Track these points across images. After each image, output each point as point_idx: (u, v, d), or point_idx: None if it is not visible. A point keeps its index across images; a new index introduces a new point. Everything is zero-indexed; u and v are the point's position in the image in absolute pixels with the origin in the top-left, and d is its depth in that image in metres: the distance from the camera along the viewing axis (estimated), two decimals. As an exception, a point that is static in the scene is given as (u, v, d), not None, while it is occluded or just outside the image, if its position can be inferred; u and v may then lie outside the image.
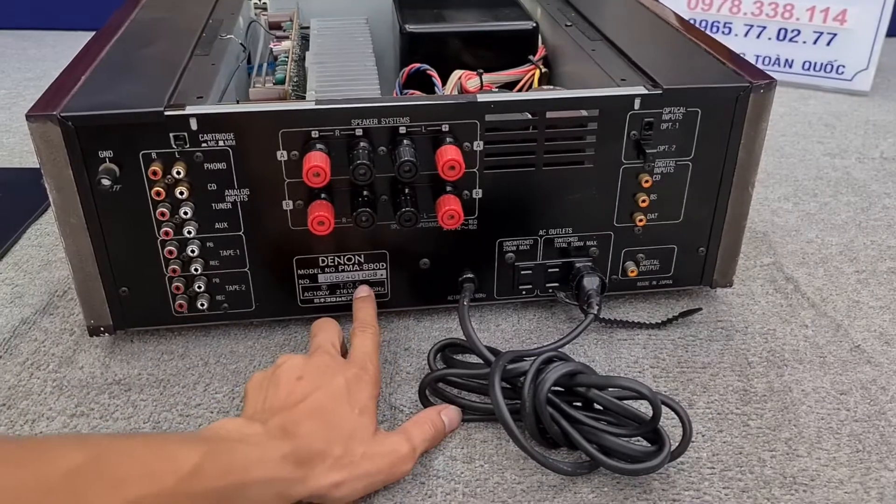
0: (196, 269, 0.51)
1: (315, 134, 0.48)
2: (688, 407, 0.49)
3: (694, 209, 0.54)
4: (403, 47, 0.65)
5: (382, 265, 0.54)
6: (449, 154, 0.47)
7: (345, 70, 0.60)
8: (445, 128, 0.49)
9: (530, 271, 0.55)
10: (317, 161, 0.46)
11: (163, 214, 0.49)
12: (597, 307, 0.52)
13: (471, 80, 0.62)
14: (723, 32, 1.02)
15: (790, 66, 1.00)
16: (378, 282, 0.54)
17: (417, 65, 0.63)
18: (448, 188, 0.50)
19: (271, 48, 0.63)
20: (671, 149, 0.52)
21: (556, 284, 0.56)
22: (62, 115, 0.45)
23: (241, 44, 0.62)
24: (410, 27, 0.64)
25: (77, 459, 0.33)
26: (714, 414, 0.48)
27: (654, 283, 0.57)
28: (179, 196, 0.48)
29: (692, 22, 1.02)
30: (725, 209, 0.54)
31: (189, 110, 0.46)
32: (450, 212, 0.49)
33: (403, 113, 0.48)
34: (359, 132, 0.48)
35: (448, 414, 0.47)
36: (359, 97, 0.53)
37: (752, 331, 0.56)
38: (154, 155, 0.47)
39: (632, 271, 0.56)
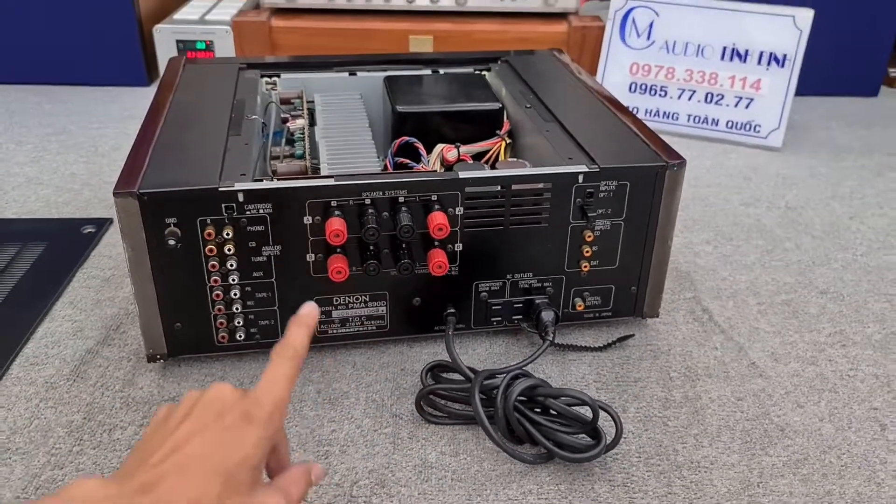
0: (236, 308, 0.64)
1: (333, 203, 0.62)
2: (622, 412, 0.63)
3: (626, 257, 0.69)
4: (394, 123, 0.79)
5: (383, 303, 0.67)
6: (438, 219, 0.62)
7: (348, 143, 0.74)
8: (434, 197, 0.63)
9: (500, 306, 0.70)
10: (337, 226, 0.60)
11: (213, 266, 0.62)
12: (552, 335, 0.67)
13: (450, 152, 0.76)
14: (660, 95, 1.19)
15: (716, 125, 1.17)
16: (379, 316, 0.68)
17: (406, 138, 0.77)
18: (436, 244, 0.65)
19: (288, 126, 0.77)
20: (607, 212, 0.67)
21: (520, 316, 0.70)
22: (140, 192, 0.59)
23: (262, 122, 0.76)
24: (400, 108, 0.78)
25: None
26: (642, 417, 0.63)
27: (597, 314, 0.72)
28: (227, 252, 0.62)
29: (633, 85, 1.19)
30: (651, 257, 0.70)
31: (237, 186, 0.60)
32: (438, 263, 0.63)
33: (402, 187, 0.62)
34: (367, 201, 0.62)
35: (316, 471, 0.45)
36: (365, 172, 0.67)
37: (674, 352, 0.71)
38: (209, 221, 0.61)
39: (579, 306, 0.71)
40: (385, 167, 0.77)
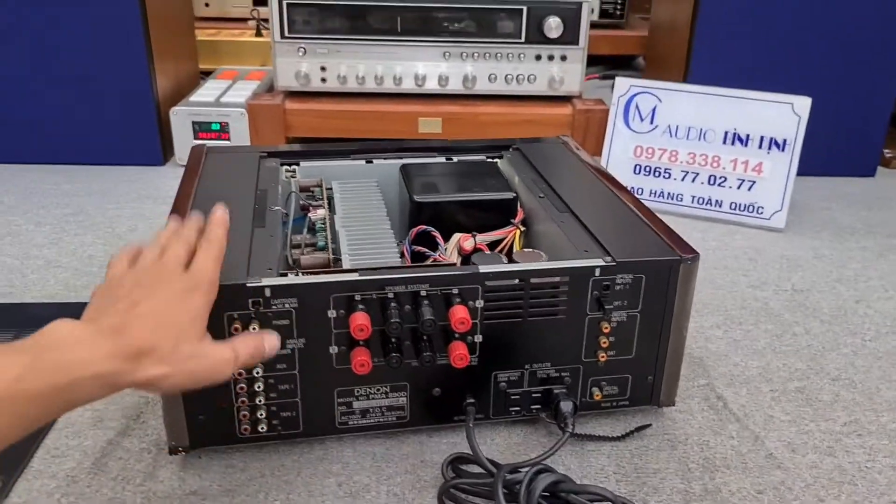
0: (259, 401, 0.65)
1: (357, 297, 0.63)
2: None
3: (643, 347, 0.71)
4: (412, 212, 0.81)
5: (404, 394, 0.68)
6: (460, 314, 0.63)
7: (368, 233, 0.76)
8: (455, 291, 0.65)
9: (518, 396, 0.70)
10: (362, 321, 0.62)
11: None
12: (572, 426, 0.67)
13: (467, 241, 0.78)
14: (664, 176, 1.22)
15: (720, 206, 1.20)
16: (400, 406, 0.69)
17: (423, 227, 0.79)
18: (457, 336, 0.66)
19: (309, 216, 0.79)
20: (623, 304, 0.68)
21: (539, 406, 0.71)
22: (170, 287, 0.60)
23: (284, 213, 0.78)
24: (418, 197, 0.81)
25: None
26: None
27: (614, 403, 0.73)
28: (252, 345, 0.63)
29: (637, 167, 1.22)
30: (667, 347, 0.71)
31: (265, 282, 0.62)
32: (460, 355, 0.65)
33: (424, 281, 0.64)
34: (390, 295, 0.64)
35: (270, 341, 0.57)
36: (386, 264, 0.69)
37: (691, 441, 0.71)
38: (236, 315, 0.62)
39: (596, 395, 0.71)
40: (402, 254, 0.79)
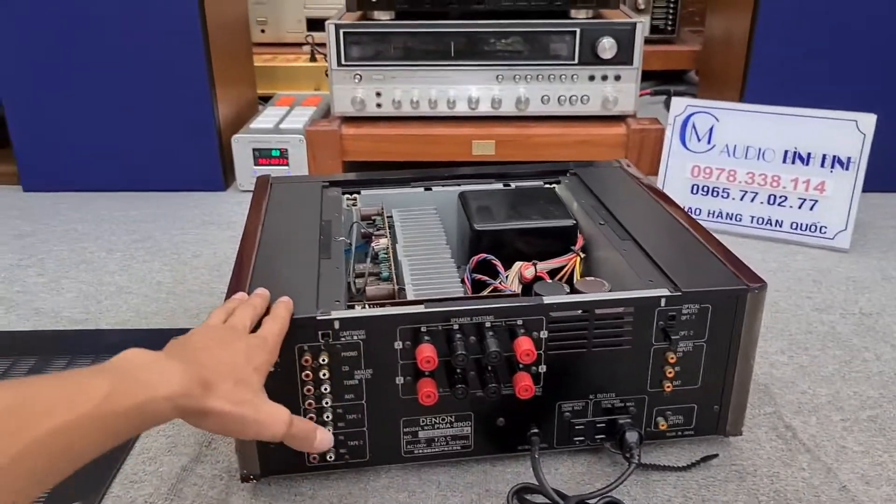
0: (328, 430, 0.66)
1: (423, 329, 0.64)
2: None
3: (709, 377, 0.70)
4: (472, 240, 0.82)
5: (468, 423, 0.69)
6: (525, 345, 0.64)
7: (430, 263, 0.77)
8: (520, 322, 0.65)
9: (583, 426, 0.70)
10: (428, 353, 0.63)
11: (308, 390, 0.64)
12: (638, 457, 0.67)
13: (528, 270, 0.79)
14: (722, 196, 1.20)
15: (780, 226, 1.18)
16: (464, 436, 0.69)
17: (484, 255, 0.80)
18: (521, 367, 0.66)
19: (373, 247, 0.81)
20: (689, 334, 0.68)
21: (603, 436, 0.71)
22: (244, 321, 0.62)
23: (347, 242, 0.80)
24: (478, 226, 0.81)
25: (6, 400, 0.40)
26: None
27: (680, 433, 0.72)
28: (322, 377, 0.64)
29: (695, 187, 1.21)
30: (733, 376, 0.70)
31: (334, 315, 0.63)
32: (525, 387, 0.65)
33: (489, 312, 0.65)
34: (455, 326, 0.65)
35: (323, 436, 0.59)
36: (449, 295, 0.69)
37: (760, 473, 0.70)
38: (306, 347, 0.63)
39: (662, 425, 0.71)
40: (463, 282, 0.80)
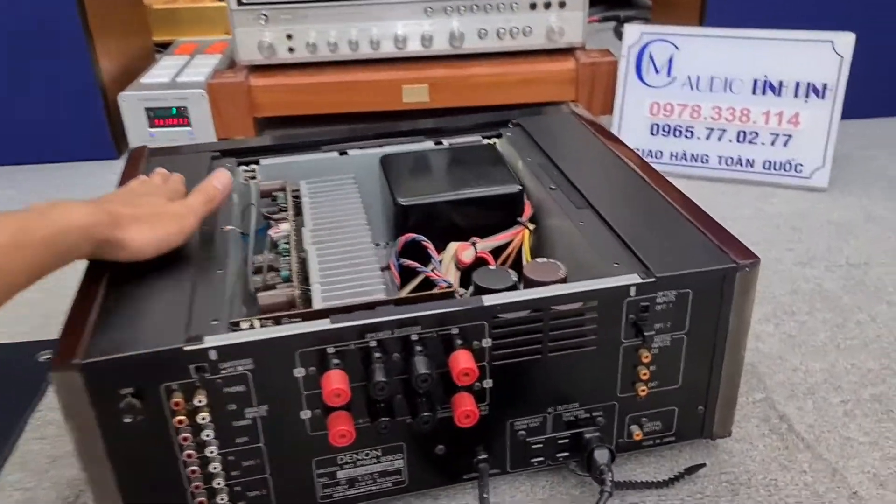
0: (218, 483, 0.52)
1: (331, 350, 0.50)
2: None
3: (691, 374, 0.57)
4: (397, 217, 0.67)
5: (399, 455, 0.55)
6: (462, 363, 0.49)
7: (345, 253, 0.62)
8: (455, 331, 0.51)
9: (541, 444, 0.57)
10: (336, 384, 0.48)
11: (185, 439, 0.49)
12: (610, 483, 0.54)
13: (465, 252, 0.64)
14: (685, 136, 1.07)
15: (751, 166, 1.05)
16: (395, 471, 0.55)
17: (412, 235, 0.65)
18: (461, 387, 0.52)
19: (270, 235, 0.65)
20: (667, 326, 0.54)
21: (567, 454, 0.58)
22: (83, 362, 0.46)
23: (241, 232, 0.64)
24: (402, 200, 0.66)
25: None
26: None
27: (658, 440, 0.60)
28: (201, 421, 0.49)
29: (655, 127, 1.07)
30: (721, 371, 0.57)
31: (207, 342, 0.48)
32: (466, 412, 0.51)
33: (414, 322, 0.50)
34: (373, 344, 0.50)
35: (220, 179, 0.61)
36: (367, 298, 0.54)
37: (756, 482, 0.58)
38: (175, 386, 0.48)
39: (637, 435, 0.58)
40: (389, 267, 0.65)
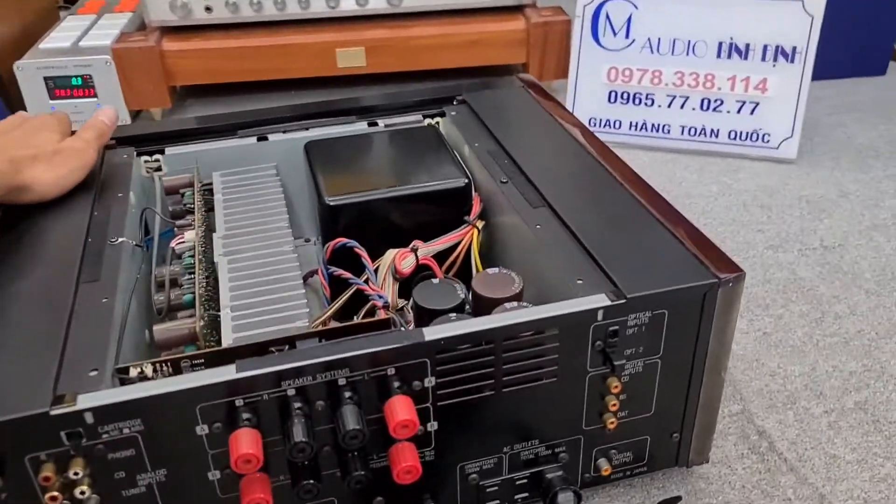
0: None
1: (239, 402, 0.41)
2: None
3: (665, 401, 0.50)
4: (323, 217, 0.57)
5: (331, 512, 0.47)
6: (400, 414, 0.41)
7: (263, 269, 0.52)
8: (391, 371, 0.42)
9: (497, 487, 0.49)
10: (246, 448, 0.39)
11: (62, 518, 0.40)
12: (577, 533, 0.47)
13: (405, 260, 0.55)
14: (645, 104, 0.99)
15: (716, 136, 0.97)
16: (328, 527, 0.47)
17: (342, 240, 0.56)
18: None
19: (173, 247, 0.55)
20: (638, 351, 0.47)
21: (526, 494, 0.51)
22: (-83, 437, 0.36)
23: (135, 245, 0.53)
24: (331, 199, 0.56)
25: None
26: None
27: (629, 472, 0.53)
28: (80, 496, 0.40)
29: (612, 94, 0.99)
30: (698, 395, 0.50)
31: (81, 403, 0.38)
32: (407, 468, 0.43)
33: (342, 365, 0.41)
34: (291, 392, 0.41)
35: (107, 114, 0.61)
36: (287, 331, 0.45)
37: (736, 514, 0.52)
38: (44, 457, 0.39)
39: (605, 469, 0.51)
40: (315, 276, 0.56)
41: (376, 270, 0.55)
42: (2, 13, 1.05)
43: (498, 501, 0.50)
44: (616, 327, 0.45)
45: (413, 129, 0.67)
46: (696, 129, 0.98)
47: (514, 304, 0.49)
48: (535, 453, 0.49)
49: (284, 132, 0.67)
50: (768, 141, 0.96)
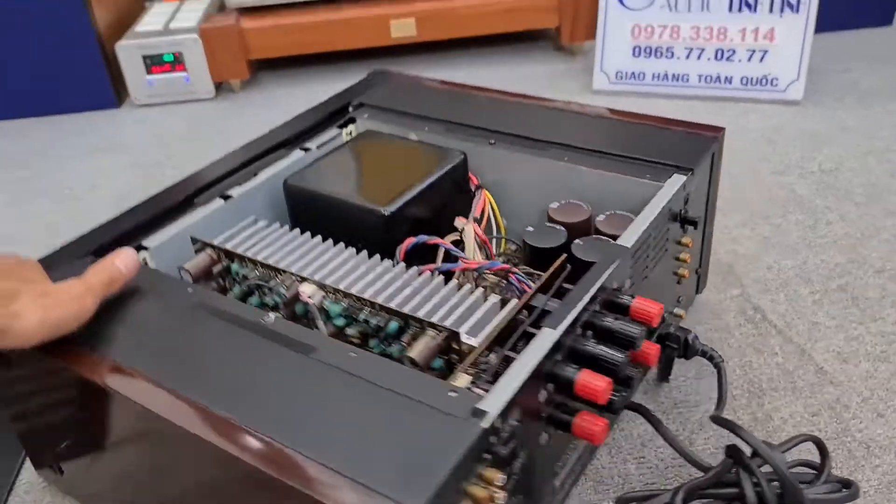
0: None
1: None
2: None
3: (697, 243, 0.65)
4: (380, 229, 0.57)
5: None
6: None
7: (400, 285, 0.50)
8: (615, 285, 0.51)
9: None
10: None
11: None
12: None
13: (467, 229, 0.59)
14: (666, 57, 1.11)
15: (729, 83, 1.09)
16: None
17: (413, 239, 0.56)
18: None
19: (315, 304, 0.51)
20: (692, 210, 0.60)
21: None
22: None
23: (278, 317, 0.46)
24: (386, 209, 0.57)
25: None
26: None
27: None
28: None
29: (637, 49, 1.11)
30: (711, 235, 0.66)
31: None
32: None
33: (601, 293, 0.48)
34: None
35: (123, 260, 0.48)
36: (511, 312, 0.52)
37: (732, 364, 0.65)
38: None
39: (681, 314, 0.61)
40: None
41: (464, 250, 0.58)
42: (101, 1, 1.22)
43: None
44: (688, 194, 0.59)
45: (366, 135, 0.69)
46: (711, 77, 1.10)
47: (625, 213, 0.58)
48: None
49: (240, 184, 0.62)
50: (776, 85, 1.07)
